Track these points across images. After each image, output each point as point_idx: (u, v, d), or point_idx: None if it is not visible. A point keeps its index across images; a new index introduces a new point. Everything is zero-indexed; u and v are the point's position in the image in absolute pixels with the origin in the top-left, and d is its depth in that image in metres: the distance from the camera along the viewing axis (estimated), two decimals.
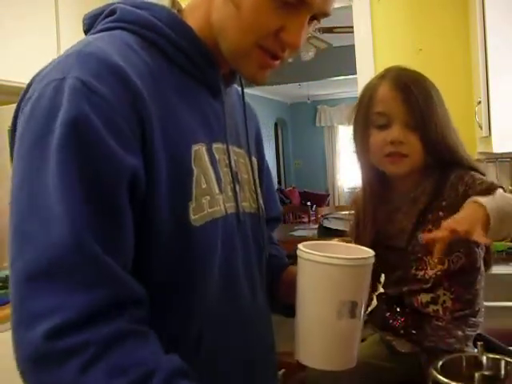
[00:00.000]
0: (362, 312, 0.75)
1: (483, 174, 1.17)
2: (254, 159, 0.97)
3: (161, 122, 0.71)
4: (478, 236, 0.92)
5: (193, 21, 0.80)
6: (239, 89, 0.97)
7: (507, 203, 1.02)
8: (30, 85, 0.73)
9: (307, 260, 0.74)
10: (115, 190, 0.65)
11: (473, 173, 1.15)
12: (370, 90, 1.22)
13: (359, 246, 0.86)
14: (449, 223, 0.96)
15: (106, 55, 0.69)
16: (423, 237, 1.00)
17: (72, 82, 0.66)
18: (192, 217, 0.73)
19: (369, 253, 0.78)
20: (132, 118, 0.68)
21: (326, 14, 0.77)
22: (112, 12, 0.79)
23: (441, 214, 1.17)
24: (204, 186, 0.76)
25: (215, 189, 0.78)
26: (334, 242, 0.88)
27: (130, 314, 0.64)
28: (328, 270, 0.72)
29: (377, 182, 1.26)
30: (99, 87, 0.66)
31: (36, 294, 0.60)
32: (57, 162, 0.63)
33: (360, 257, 0.76)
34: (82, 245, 0.61)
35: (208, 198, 0.76)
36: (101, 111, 0.65)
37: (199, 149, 0.77)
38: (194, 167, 0.75)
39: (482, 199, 1.00)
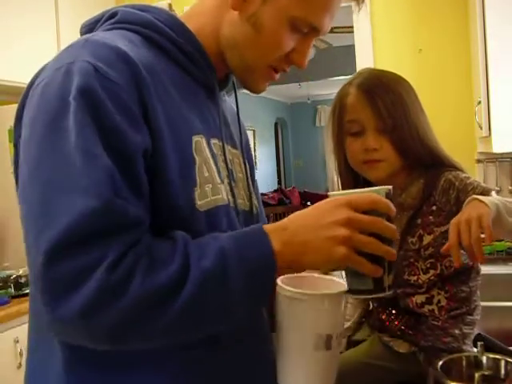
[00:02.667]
0: (337, 343, 0.76)
1: (463, 171, 1.18)
2: (247, 163, 0.97)
3: (164, 111, 0.73)
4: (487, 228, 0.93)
5: (192, 25, 0.82)
6: (229, 99, 0.98)
7: (503, 203, 1.02)
8: (36, 76, 0.75)
9: (283, 295, 0.74)
10: (133, 159, 0.68)
11: (461, 176, 1.15)
12: (340, 98, 1.22)
13: (336, 280, 0.84)
14: (454, 229, 0.96)
15: (113, 42, 0.72)
16: (443, 250, 1.00)
17: (82, 65, 0.68)
18: (198, 202, 0.75)
19: (342, 287, 0.78)
20: (138, 104, 0.70)
21: (325, 33, 0.84)
22: (113, 15, 0.81)
23: (431, 218, 1.17)
24: (206, 174, 0.78)
25: (216, 178, 0.80)
26: (315, 274, 0.86)
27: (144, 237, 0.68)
28: (301, 306, 0.72)
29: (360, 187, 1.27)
30: (108, 70, 0.68)
31: (74, 256, 0.62)
32: (76, 134, 0.65)
33: (331, 292, 0.76)
34: (110, 209, 0.64)
35: (210, 185, 0.78)
36: (111, 92, 0.67)
37: (199, 140, 0.78)
38: (195, 156, 0.76)
39: (480, 197, 1.01)
